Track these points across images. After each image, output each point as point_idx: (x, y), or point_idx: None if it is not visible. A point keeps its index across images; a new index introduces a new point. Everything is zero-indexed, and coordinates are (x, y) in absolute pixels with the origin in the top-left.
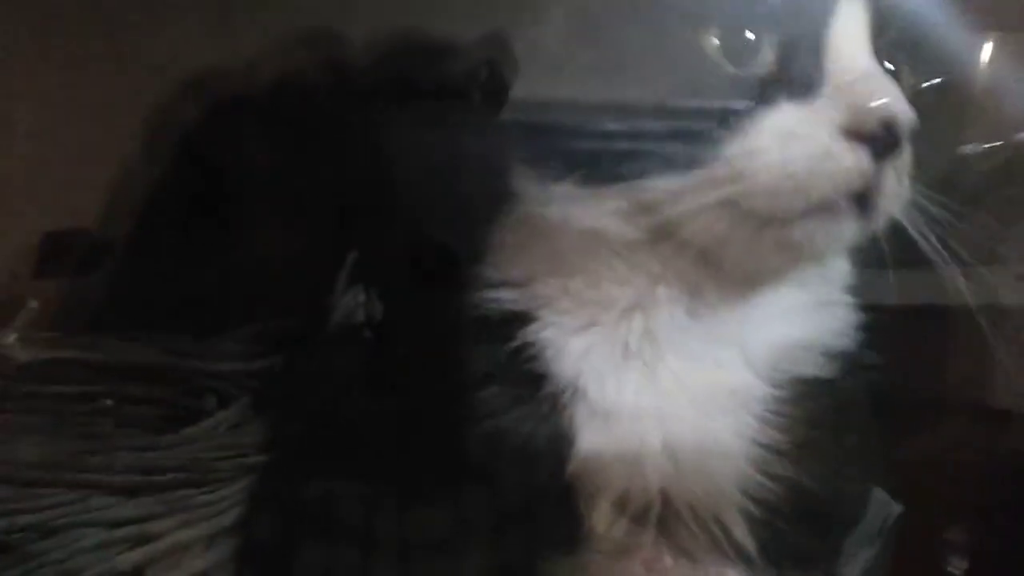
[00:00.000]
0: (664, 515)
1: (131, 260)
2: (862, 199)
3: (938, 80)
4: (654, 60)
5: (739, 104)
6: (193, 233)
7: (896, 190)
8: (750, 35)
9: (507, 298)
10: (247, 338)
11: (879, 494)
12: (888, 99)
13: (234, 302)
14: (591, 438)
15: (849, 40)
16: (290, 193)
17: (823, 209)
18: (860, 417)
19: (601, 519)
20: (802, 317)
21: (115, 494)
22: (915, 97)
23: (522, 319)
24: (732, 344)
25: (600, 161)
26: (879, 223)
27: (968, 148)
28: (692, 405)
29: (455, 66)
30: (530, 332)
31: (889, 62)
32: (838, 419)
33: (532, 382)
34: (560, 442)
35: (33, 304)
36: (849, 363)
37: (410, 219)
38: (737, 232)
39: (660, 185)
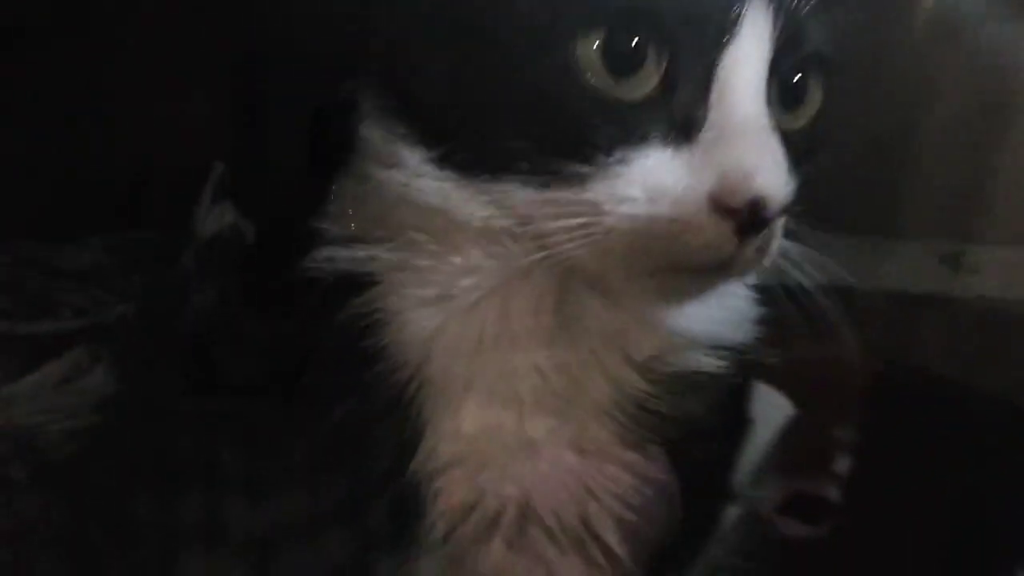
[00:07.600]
0: (519, 520)
1: None
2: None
3: None
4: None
5: (611, 137)
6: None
7: (753, 256)
8: (635, 41)
9: (344, 256)
10: (100, 248)
11: (775, 397)
12: (763, 175)
13: (83, 204)
14: (438, 433)
15: (741, 70)
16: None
17: (679, 268)
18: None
19: (444, 523)
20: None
21: None
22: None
23: (360, 283)
24: (607, 338)
25: (455, 147)
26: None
27: None
28: (557, 402)
29: None
30: (369, 299)
31: (800, 75)
32: (714, 417)
33: (369, 361)
34: (403, 437)
35: None
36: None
37: None
38: (597, 259)
39: (520, 195)
